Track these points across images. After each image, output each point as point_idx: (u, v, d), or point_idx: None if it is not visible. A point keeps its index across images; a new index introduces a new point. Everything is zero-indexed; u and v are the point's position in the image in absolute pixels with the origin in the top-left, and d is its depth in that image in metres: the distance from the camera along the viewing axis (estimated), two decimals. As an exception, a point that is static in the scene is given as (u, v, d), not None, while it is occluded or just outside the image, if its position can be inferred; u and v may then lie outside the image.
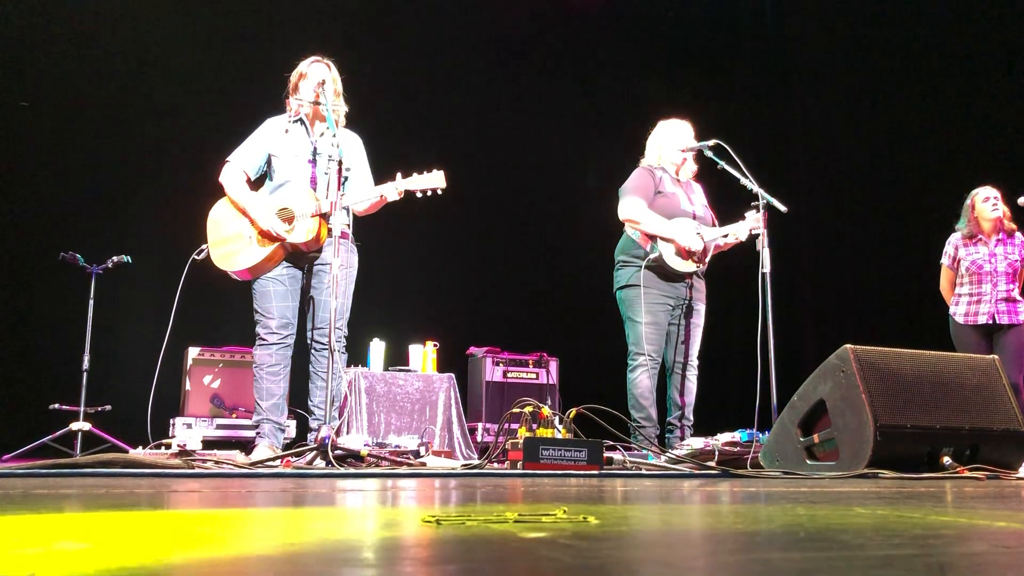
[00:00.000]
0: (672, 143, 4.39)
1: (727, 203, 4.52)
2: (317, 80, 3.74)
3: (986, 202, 4.90)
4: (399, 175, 3.70)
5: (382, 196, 3.71)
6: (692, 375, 4.29)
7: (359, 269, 3.89)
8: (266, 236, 3.68)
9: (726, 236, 4.27)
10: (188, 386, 5.25)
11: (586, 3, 7.55)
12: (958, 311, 4.93)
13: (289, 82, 3.87)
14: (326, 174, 3.66)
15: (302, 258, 3.77)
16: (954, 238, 5.04)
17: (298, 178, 3.76)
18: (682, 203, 4.30)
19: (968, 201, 4.99)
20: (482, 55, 7.17)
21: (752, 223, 4.21)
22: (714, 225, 4.38)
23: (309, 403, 3.75)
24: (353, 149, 3.88)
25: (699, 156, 4.42)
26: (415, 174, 3.69)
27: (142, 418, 3.80)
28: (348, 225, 3.79)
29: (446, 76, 7.00)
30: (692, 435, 4.12)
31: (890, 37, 7.20)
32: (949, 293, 5.03)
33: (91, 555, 0.90)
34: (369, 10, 6.72)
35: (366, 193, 3.74)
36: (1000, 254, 4.86)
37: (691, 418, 4.25)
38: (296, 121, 3.85)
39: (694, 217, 4.29)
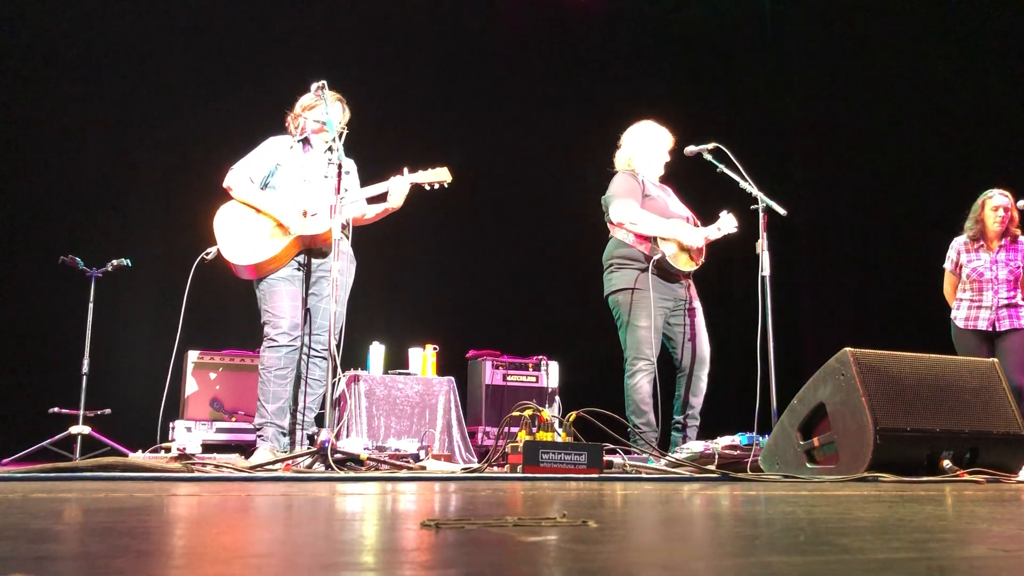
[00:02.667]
0: (654, 147, 4.39)
1: (698, 204, 4.56)
2: (333, 103, 3.86)
3: (996, 211, 4.84)
4: (405, 170, 3.89)
5: (388, 206, 3.89)
6: (704, 374, 4.24)
7: (355, 276, 3.97)
8: (282, 228, 3.74)
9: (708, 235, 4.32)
10: (188, 390, 5.24)
11: (586, 3, 7.56)
12: (959, 315, 4.91)
13: (298, 104, 3.95)
14: (326, 177, 3.67)
15: (312, 254, 3.83)
16: (957, 242, 4.99)
17: (303, 190, 3.85)
18: (671, 205, 4.31)
19: (979, 201, 4.92)
20: (480, 56, 7.17)
21: (723, 222, 4.27)
22: (696, 226, 4.38)
23: (298, 411, 3.74)
24: (350, 172, 3.97)
25: (673, 160, 4.45)
26: (420, 171, 3.93)
27: (141, 422, 3.79)
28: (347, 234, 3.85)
29: (443, 78, 7.00)
30: (695, 437, 4.11)
31: (890, 38, 7.20)
32: (952, 297, 5.00)
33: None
34: (367, 10, 6.73)
35: (374, 188, 3.86)
36: (1001, 260, 4.83)
37: (698, 417, 4.22)
38: (300, 140, 3.93)
39: (687, 220, 4.31)
